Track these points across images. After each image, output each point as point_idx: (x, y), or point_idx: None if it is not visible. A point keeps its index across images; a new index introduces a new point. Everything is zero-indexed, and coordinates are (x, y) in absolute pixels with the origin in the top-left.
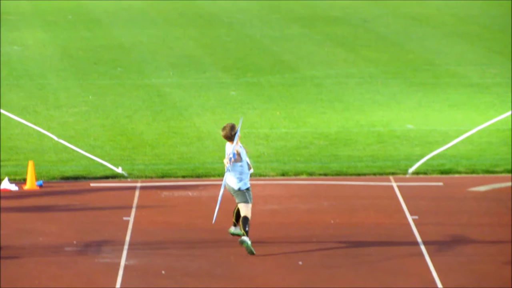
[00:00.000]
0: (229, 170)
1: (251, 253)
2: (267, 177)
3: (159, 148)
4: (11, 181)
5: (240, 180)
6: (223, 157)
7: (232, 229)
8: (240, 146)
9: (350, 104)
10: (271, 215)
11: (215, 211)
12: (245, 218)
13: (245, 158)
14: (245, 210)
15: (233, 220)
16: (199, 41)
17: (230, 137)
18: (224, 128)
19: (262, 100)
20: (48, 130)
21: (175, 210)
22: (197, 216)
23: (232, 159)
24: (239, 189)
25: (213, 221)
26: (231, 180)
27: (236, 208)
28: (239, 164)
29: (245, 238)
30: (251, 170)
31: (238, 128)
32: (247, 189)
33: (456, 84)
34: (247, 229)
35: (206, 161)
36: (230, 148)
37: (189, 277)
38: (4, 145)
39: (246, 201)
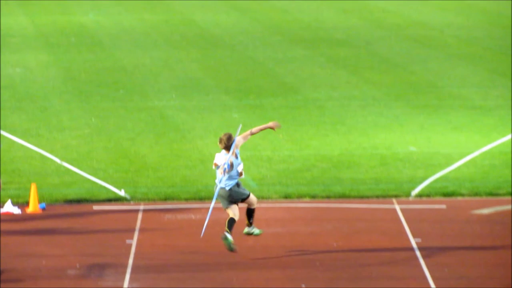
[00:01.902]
0: (220, 182)
1: (231, 250)
2: (269, 200)
3: (162, 170)
4: (14, 204)
5: (230, 182)
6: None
7: (246, 229)
8: (237, 156)
9: (353, 126)
10: (274, 238)
11: (205, 224)
12: (232, 219)
13: (238, 164)
14: (236, 213)
15: (246, 222)
16: (201, 63)
17: (227, 147)
18: (221, 141)
19: (264, 123)
20: (51, 152)
21: (178, 233)
22: (200, 239)
23: (227, 169)
24: (230, 189)
25: (202, 234)
26: (223, 184)
27: (248, 208)
28: (224, 175)
29: (228, 235)
30: (242, 176)
31: (235, 137)
32: (238, 184)
33: (459, 106)
34: (232, 228)
35: (209, 184)
36: (222, 156)
37: None
38: (7, 167)
39: (251, 203)
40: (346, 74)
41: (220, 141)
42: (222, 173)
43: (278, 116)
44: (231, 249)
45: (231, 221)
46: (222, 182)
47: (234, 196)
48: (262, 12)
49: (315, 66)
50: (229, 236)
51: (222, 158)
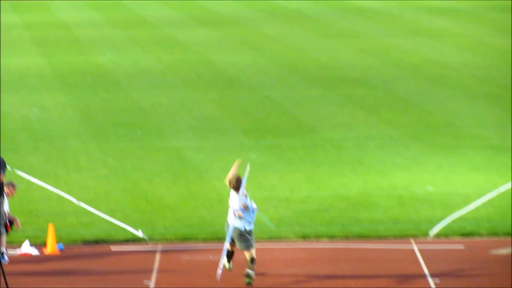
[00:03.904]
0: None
1: (249, 284)
2: (288, 240)
3: (179, 211)
4: (32, 244)
5: (249, 223)
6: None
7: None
8: (246, 196)
9: (371, 166)
10: (292, 279)
11: (220, 264)
12: (254, 258)
13: (249, 203)
14: (253, 252)
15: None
16: (218, 103)
17: (237, 188)
18: (230, 182)
19: (282, 163)
20: (68, 193)
21: (197, 273)
22: (219, 280)
23: (241, 213)
24: (250, 230)
25: (219, 276)
26: (239, 223)
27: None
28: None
29: (251, 272)
30: (256, 211)
31: (244, 178)
32: (251, 231)
33: (477, 146)
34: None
35: None
36: (235, 197)
37: None
38: (24, 208)
39: (252, 246)
40: (363, 113)
41: (230, 182)
42: (237, 214)
43: (295, 156)
44: (250, 284)
45: (253, 260)
46: (239, 223)
47: (244, 238)
48: (278, 51)
49: (332, 106)
50: (252, 274)
51: (234, 200)
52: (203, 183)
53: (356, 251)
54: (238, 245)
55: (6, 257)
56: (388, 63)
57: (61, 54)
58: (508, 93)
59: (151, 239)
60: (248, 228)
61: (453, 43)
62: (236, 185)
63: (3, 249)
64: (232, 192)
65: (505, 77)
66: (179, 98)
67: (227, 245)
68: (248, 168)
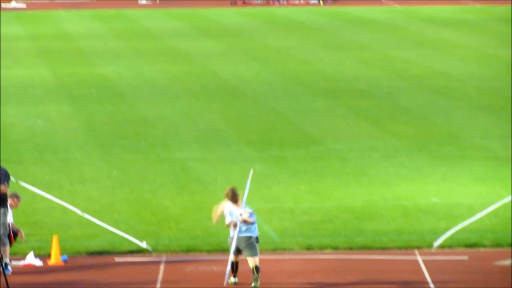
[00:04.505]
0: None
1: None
2: (292, 251)
3: (183, 222)
4: (36, 256)
5: (255, 228)
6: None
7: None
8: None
9: (375, 177)
10: None
11: (227, 273)
12: (258, 267)
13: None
14: (257, 260)
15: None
16: (223, 115)
17: (236, 201)
18: (227, 195)
19: (286, 174)
20: (72, 204)
21: (200, 284)
22: None
23: (251, 219)
24: (256, 237)
25: (225, 282)
26: (247, 232)
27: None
28: (243, 226)
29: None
30: (254, 214)
31: (248, 181)
32: (258, 237)
33: (481, 157)
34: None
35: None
36: (235, 207)
37: None
38: (29, 219)
39: (257, 254)
40: (367, 125)
41: (227, 196)
42: (250, 221)
43: (300, 167)
44: None
45: (258, 269)
46: (246, 231)
47: (253, 246)
48: (283, 63)
49: (336, 117)
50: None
51: (237, 210)
52: (207, 195)
53: (360, 262)
54: (246, 253)
55: (9, 268)
56: (393, 74)
57: (65, 66)
58: None
59: (155, 250)
60: (255, 234)
61: (457, 54)
62: (233, 197)
63: (7, 260)
64: (230, 205)
65: (509, 89)
66: (184, 110)
67: (231, 257)
68: (251, 172)
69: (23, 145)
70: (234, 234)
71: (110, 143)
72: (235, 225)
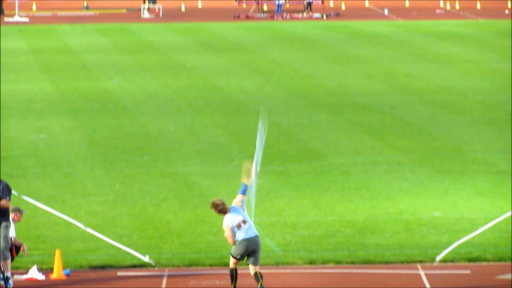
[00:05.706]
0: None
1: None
2: (294, 266)
3: (186, 236)
4: (39, 270)
5: (253, 228)
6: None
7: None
8: (243, 209)
9: (378, 191)
10: None
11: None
12: (260, 273)
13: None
14: (257, 268)
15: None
16: (226, 129)
17: (225, 210)
18: (218, 211)
19: (289, 188)
20: (75, 218)
21: None
22: None
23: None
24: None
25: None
26: (251, 234)
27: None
28: (246, 226)
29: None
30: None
31: (252, 179)
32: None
33: (484, 172)
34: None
35: None
36: (234, 215)
37: None
38: (31, 234)
39: (259, 263)
40: (370, 139)
41: (217, 211)
42: (244, 225)
43: (303, 181)
44: None
45: (261, 275)
46: (249, 233)
47: (256, 255)
48: (286, 77)
49: (339, 131)
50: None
51: (236, 217)
52: (210, 209)
53: (363, 276)
54: (252, 259)
55: (11, 282)
56: (395, 89)
57: (68, 80)
58: None
59: (158, 264)
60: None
61: (460, 68)
62: (220, 210)
63: (8, 274)
64: (228, 217)
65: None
66: (187, 124)
67: (232, 264)
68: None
69: (26, 159)
70: (240, 235)
71: (112, 157)
72: (238, 226)
